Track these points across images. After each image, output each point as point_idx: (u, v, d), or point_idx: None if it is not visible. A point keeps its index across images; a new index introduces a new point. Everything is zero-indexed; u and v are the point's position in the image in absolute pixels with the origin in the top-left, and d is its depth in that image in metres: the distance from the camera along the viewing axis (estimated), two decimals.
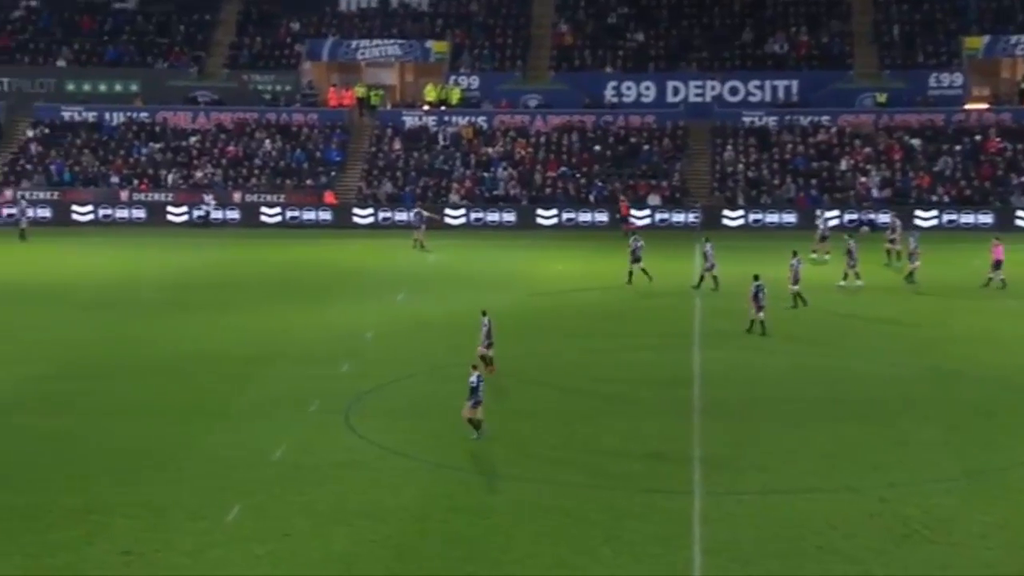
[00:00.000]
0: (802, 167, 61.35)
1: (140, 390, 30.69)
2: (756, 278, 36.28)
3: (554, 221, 58.82)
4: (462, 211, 58.91)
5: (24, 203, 56.76)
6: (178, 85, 66.09)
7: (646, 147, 62.72)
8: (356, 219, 59.25)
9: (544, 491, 23.75)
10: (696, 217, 58.38)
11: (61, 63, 66.40)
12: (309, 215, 59.08)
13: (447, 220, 58.31)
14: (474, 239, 55.29)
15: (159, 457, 25.57)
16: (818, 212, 53.24)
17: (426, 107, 65.30)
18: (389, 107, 66.53)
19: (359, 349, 35.10)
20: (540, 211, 59.18)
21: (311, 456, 25.69)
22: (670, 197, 60.45)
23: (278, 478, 24.43)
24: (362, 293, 43.36)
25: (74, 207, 59.17)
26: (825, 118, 63.14)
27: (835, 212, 57.20)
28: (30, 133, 63.51)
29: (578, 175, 61.68)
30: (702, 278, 42.43)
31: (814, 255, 48.52)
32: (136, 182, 61.16)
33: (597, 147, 62.83)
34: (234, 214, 59.44)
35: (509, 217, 58.91)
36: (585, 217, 58.72)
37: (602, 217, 58.35)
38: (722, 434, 27.01)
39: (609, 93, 65.42)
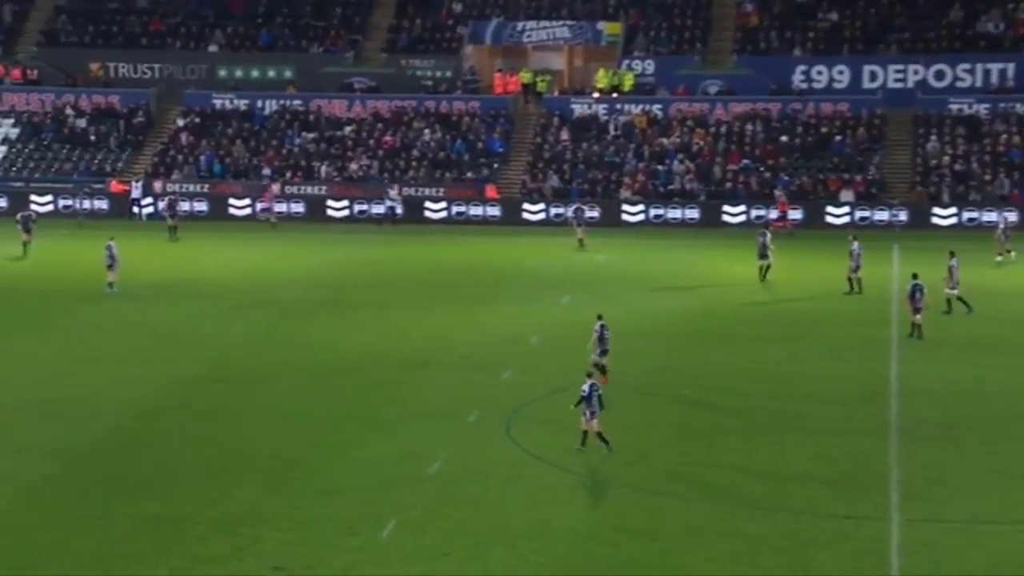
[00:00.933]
0: (1017, 160, 59.20)
1: (291, 395, 31.47)
2: (914, 277, 35.88)
3: (742, 219, 58.10)
4: (640, 207, 58.66)
5: (172, 197, 58.89)
6: (333, 71, 67.62)
7: (838, 138, 61.46)
8: (525, 215, 59.49)
9: (719, 513, 23.53)
10: (895, 215, 56.84)
11: (213, 48, 68.67)
12: (476, 210, 59.53)
13: (624, 217, 58.20)
14: (652, 237, 55.04)
15: (310, 467, 26.17)
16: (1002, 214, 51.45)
17: (596, 94, 65.31)
18: (556, 94, 66.74)
19: (522, 355, 35.29)
20: (727, 207, 58.48)
21: (470, 470, 25.94)
22: (865, 193, 59.10)
23: (435, 493, 24.73)
24: (527, 295, 43.60)
25: (231, 201, 60.95)
26: None
27: None
28: (180, 122, 65.88)
29: (762, 168, 60.83)
30: (850, 281, 41.92)
31: (999, 258, 47.41)
32: (288, 174, 62.82)
33: (783, 138, 61.85)
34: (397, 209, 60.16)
35: (692, 214, 58.37)
36: (777, 215, 57.63)
37: (796, 215, 57.36)
38: (922, 456, 26.33)
39: (798, 78, 64.32)
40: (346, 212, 60.39)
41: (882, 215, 57.23)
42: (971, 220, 56.53)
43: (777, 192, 57.61)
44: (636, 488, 24.94)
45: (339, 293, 43.67)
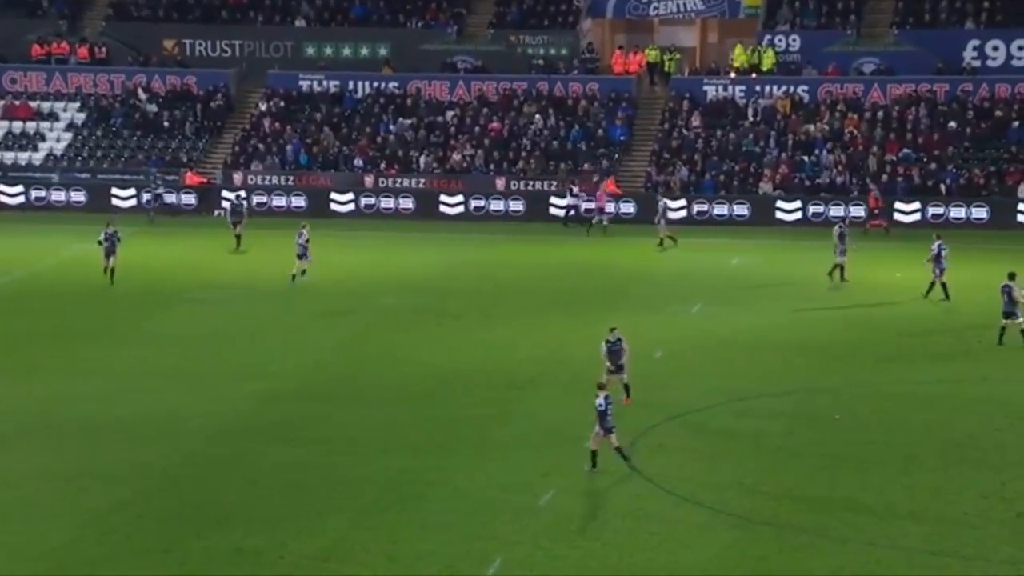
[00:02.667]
0: None
1: (386, 416, 31.78)
2: (1011, 277, 36.11)
3: (916, 217, 57.20)
4: (796, 204, 58.14)
5: (157, 182, 60.22)
6: (434, 49, 68.16)
7: (1016, 123, 60.28)
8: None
9: (878, 557, 23.29)
10: None
11: (300, 23, 69.68)
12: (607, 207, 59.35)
13: (780, 216, 57.85)
14: (803, 238, 54.47)
15: (407, 496, 26.40)
16: None
17: (733, 74, 64.94)
18: (687, 74, 66.53)
19: (646, 372, 35.20)
20: (899, 204, 57.65)
21: (586, 502, 25.97)
22: None
23: (546, 527, 24.79)
24: (651, 302, 43.58)
25: (333, 195, 61.62)
26: None
27: None
28: (263, 106, 66.89)
29: (925, 159, 59.93)
30: (932, 285, 41.81)
31: None
32: (383, 165, 63.46)
33: (952, 123, 60.88)
34: (517, 205, 60.48)
35: (857, 212, 57.59)
36: (958, 213, 56.79)
37: (981, 214, 56.37)
38: None
39: (969, 55, 63.29)
40: (460, 208, 60.70)
41: None
42: None
43: (871, 187, 56.75)
44: (778, 526, 24.74)
45: (441, 300, 44.04)
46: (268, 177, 63.13)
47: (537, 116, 64.47)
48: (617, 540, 24.22)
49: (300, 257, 46.02)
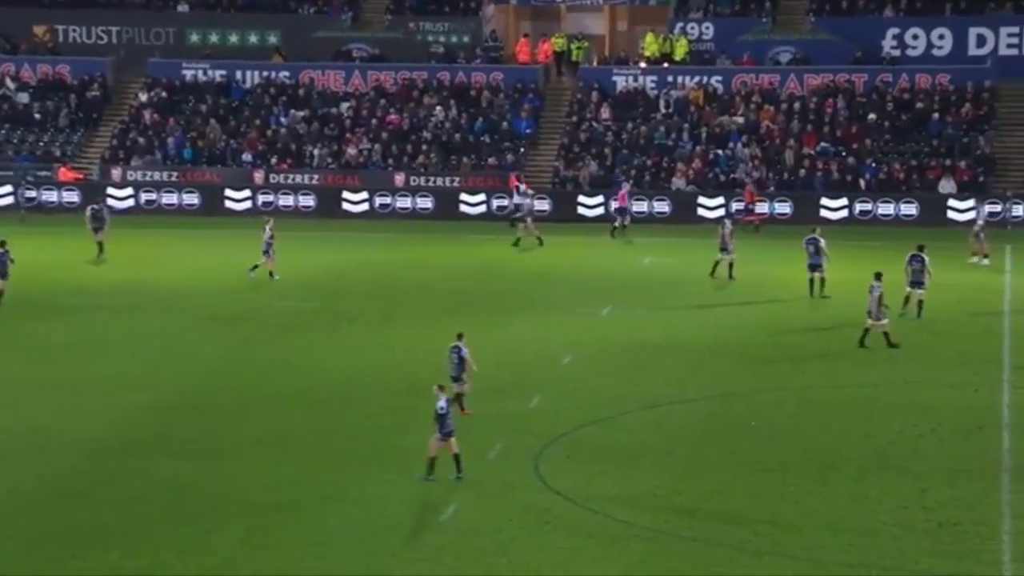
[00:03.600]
0: None
1: (277, 426, 31.62)
2: (878, 277, 37.17)
3: (843, 214, 57.92)
4: (719, 200, 58.58)
5: (25, 184, 59.63)
6: (328, 36, 67.97)
7: (937, 116, 61.35)
8: (581, 210, 59.60)
9: (795, 571, 23.52)
10: (1008, 210, 56.68)
11: (183, 8, 69.12)
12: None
13: (702, 213, 58.33)
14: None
15: (300, 512, 26.30)
16: (978, 207, 51.20)
17: (644, 64, 65.41)
18: (595, 64, 66.91)
19: (553, 378, 35.39)
20: (825, 201, 58.35)
21: (491, 516, 26.02)
22: (970, 183, 58.97)
23: (449, 543, 24.83)
24: (559, 304, 43.78)
25: (228, 192, 61.12)
26: None
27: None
28: (143, 97, 66.27)
29: (844, 153, 60.79)
30: (812, 283, 42.92)
31: (974, 259, 47.85)
32: (274, 160, 63.12)
33: (871, 116, 61.81)
34: (425, 202, 60.50)
35: (784, 209, 58.18)
36: (886, 209, 57.58)
37: (910, 210, 57.17)
38: None
39: (889, 44, 64.29)
40: (365, 206, 60.51)
41: (991, 209, 57.04)
42: None
43: (747, 180, 57.53)
44: (692, 538, 24.95)
45: (338, 302, 43.92)
46: (149, 173, 62.51)
47: (438, 108, 64.49)
48: (524, 556, 24.30)
49: (265, 253, 46.35)
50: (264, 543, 24.91)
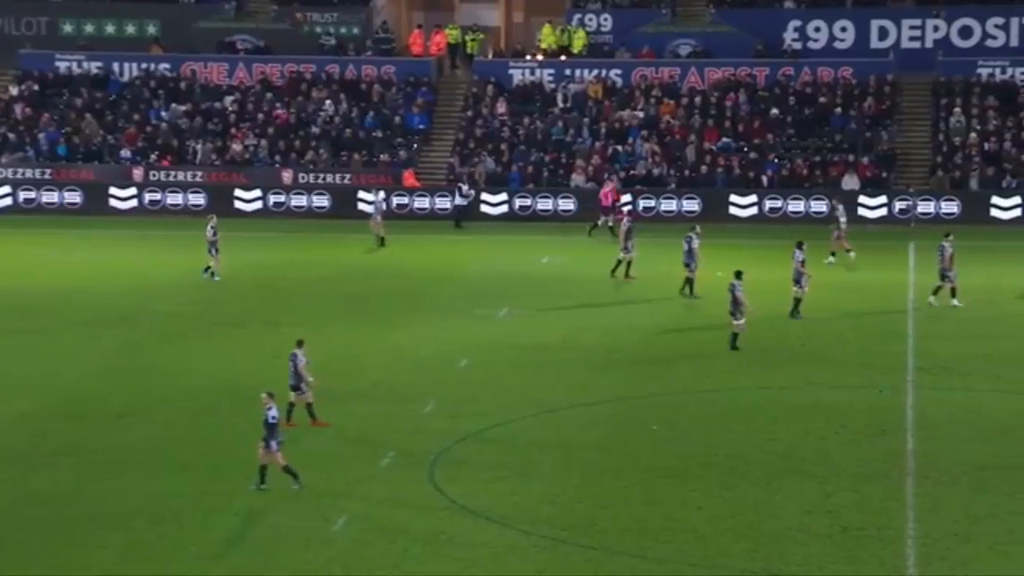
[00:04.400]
0: None
1: (158, 435, 31.35)
2: (738, 276, 38.07)
3: (753, 211, 58.48)
4: (626, 198, 58.87)
5: None
6: (210, 27, 67.41)
7: (839, 110, 62.17)
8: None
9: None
10: (911, 205, 57.54)
11: None
12: (421, 202, 59.44)
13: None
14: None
15: (182, 525, 26.08)
16: (836, 204, 52.11)
17: (541, 56, 65.59)
18: (491, 57, 66.99)
19: (449, 382, 35.40)
20: (735, 198, 58.84)
21: (383, 526, 25.97)
22: (874, 179, 59.82)
23: (340, 555, 24.75)
24: (455, 306, 43.79)
25: (113, 191, 60.35)
26: None
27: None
28: (13, 90, 65.29)
29: (746, 148, 61.38)
30: (688, 282, 43.70)
31: (832, 258, 48.58)
32: (154, 156, 62.47)
33: (773, 111, 62.47)
34: (321, 200, 60.18)
35: (692, 206, 58.55)
36: (796, 207, 58.18)
37: (820, 207, 57.83)
38: (945, 506, 26.66)
39: (790, 37, 65.01)
40: (258, 204, 60.06)
41: (899, 204, 57.91)
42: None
43: (609, 178, 57.85)
44: (592, 547, 25.06)
45: (222, 305, 43.61)
46: (21, 171, 61.56)
47: (327, 102, 64.22)
48: (418, 567, 24.28)
49: (210, 252, 46.51)
50: (144, 558, 24.67)
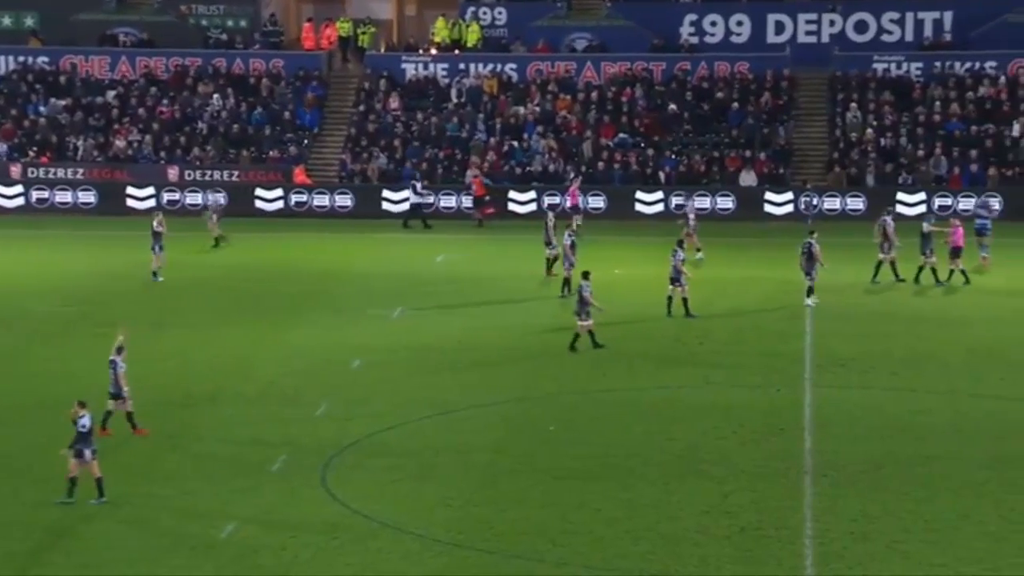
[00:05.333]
0: (957, 133, 61.27)
1: (35, 442, 30.88)
2: (585, 276, 38.11)
3: (659, 208, 58.72)
4: (531, 195, 58.96)
5: None
6: (91, 19, 66.67)
7: (737, 105, 62.78)
8: (386, 205, 59.44)
9: None
10: (810, 201, 58.25)
11: None
12: (321, 200, 59.29)
13: (513, 208, 58.63)
14: (513, 231, 55.44)
15: (62, 535, 25.80)
16: (687, 203, 52.95)
17: (434, 50, 65.60)
18: (383, 50, 66.88)
19: (342, 384, 35.32)
20: (641, 194, 59.18)
21: (274, 532, 25.87)
22: (770, 175, 60.49)
23: (229, 563, 24.62)
24: (348, 306, 43.69)
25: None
26: (990, 64, 63.02)
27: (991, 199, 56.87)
28: None
29: (643, 144, 61.81)
30: (566, 282, 43.71)
31: (700, 254, 49.31)
32: (32, 152, 61.69)
33: (671, 106, 62.94)
34: (218, 197, 59.66)
35: (598, 203, 58.72)
36: (703, 203, 58.65)
37: (727, 204, 58.31)
38: (842, 504, 27.05)
39: (686, 31, 65.52)
40: (152, 202, 59.44)
41: (789, 200, 58.56)
42: (943, 208, 57.88)
43: (476, 173, 58.30)
44: (489, 550, 25.13)
45: (105, 307, 43.21)
46: None
47: (214, 97, 63.78)
48: (309, 574, 24.20)
49: (152, 250, 46.20)
50: (22, 570, 24.34)
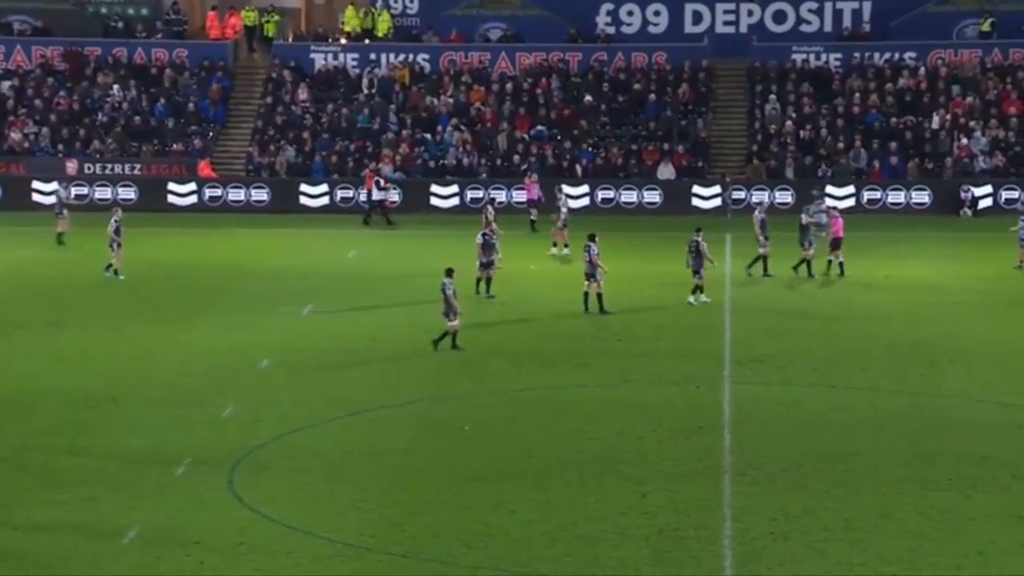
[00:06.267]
0: (877, 125, 61.90)
1: None
2: (448, 273, 37.70)
3: (584, 203, 58.88)
4: (453, 189, 58.91)
5: None
6: None
7: (655, 97, 63.07)
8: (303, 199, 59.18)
9: None
10: (730, 195, 58.64)
11: None
12: (234, 195, 58.83)
13: (435, 203, 58.54)
14: (453, 227, 55.45)
15: None
16: (559, 193, 53.35)
17: (344, 40, 65.41)
18: (291, 40, 66.59)
19: (249, 384, 35.16)
20: (567, 188, 59.16)
21: (178, 538, 25.70)
22: (689, 167, 60.83)
23: (131, 570, 24.43)
24: (256, 304, 43.57)
25: None
26: (909, 55, 63.71)
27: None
28: None
29: (560, 136, 61.94)
30: (478, 281, 43.27)
31: (554, 250, 49.77)
32: None
33: (587, 97, 63.13)
34: (128, 193, 59.24)
35: (520, 198, 58.69)
36: (629, 197, 58.81)
37: (654, 198, 58.54)
38: (763, 504, 27.26)
39: (603, 21, 65.73)
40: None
41: (716, 194, 58.95)
42: (872, 202, 58.51)
43: (373, 167, 58.44)
44: (401, 554, 25.10)
45: (1, 306, 42.72)
46: None
47: (114, 88, 63.25)
48: None
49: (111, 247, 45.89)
50: None
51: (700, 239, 42.75)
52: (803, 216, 46.78)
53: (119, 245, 46.21)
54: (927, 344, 39.06)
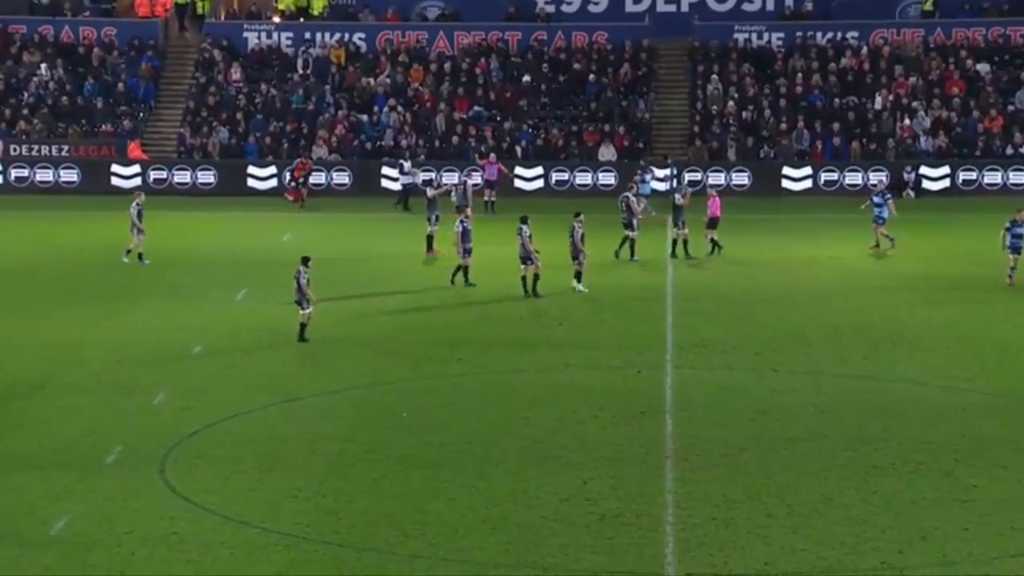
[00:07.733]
0: (820, 105, 62.23)
1: None
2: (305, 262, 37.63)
3: (539, 184, 58.79)
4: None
5: None
6: None
7: (595, 77, 63.15)
8: (252, 182, 59.04)
9: (450, 572, 23.96)
10: (674, 177, 58.87)
11: None
12: (180, 177, 58.92)
13: (386, 185, 58.43)
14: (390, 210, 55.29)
15: None
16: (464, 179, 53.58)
17: (278, 19, 65.13)
18: (223, 18, 66.24)
19: (181, 371, 35.03)
20: (520, 170, 59.25)
21: (109, 528, 25.61)
22: (630, 149, 60.95)
23: (59, 560, 24.32)
24: (188, 289, 43.41)
25: None
26: (852, 35, 64.07)
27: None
28: None
29: (499, 117, 61.93)
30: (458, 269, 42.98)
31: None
32: None
33: (526, 78, 63.13)
34: (70, 175, 58.86)
35: (477, 180, 58.45)
36: (584, 179, 58.85)
37: (608, 179, 58.64)
38: (706, 489, 27.39)
39: (543, 0, 65.70)
40: None
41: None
42: (820, 183, 58.70)
43: (303, 151, 58.44)
44: (338, 543, 25.09)
45: None
46: None
47: (41, 67, 62.75)
48: (147, 571, 24.01)
49: (132, 231, 45.44)
50: None
51: (577, 224, 42.37)
52: (676, 196, 47.27)
53: (140, 231, 45.56)
54: (870, 327, 39.34)
